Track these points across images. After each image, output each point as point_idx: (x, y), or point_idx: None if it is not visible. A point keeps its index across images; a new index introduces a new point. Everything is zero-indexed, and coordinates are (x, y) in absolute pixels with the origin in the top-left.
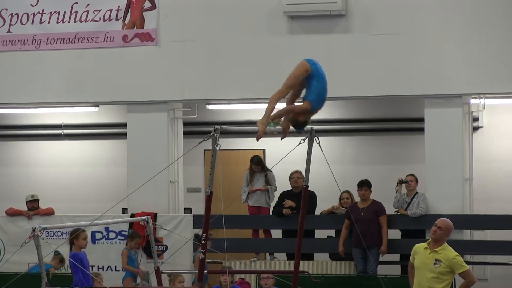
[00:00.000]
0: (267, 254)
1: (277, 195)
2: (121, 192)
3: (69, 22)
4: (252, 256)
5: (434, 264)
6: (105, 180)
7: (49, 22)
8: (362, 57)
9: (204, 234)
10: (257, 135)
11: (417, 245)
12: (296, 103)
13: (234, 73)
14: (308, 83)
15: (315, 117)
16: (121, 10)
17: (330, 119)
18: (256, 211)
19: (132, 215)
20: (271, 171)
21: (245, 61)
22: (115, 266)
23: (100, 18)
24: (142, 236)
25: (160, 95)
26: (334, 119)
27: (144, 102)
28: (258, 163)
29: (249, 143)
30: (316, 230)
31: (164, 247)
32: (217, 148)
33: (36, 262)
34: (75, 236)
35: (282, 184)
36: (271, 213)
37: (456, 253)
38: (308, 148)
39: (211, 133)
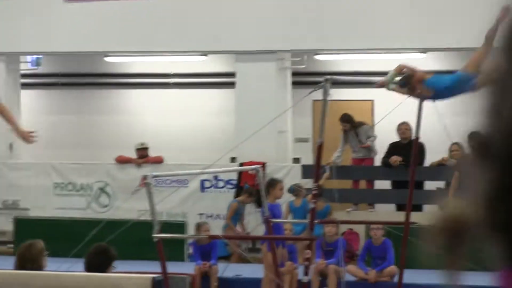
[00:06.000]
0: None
1: (385, 145)
2: (228, 142)
3: None
4: (349, 206)
5: None
6: (213, 129)
7: None
8: None
9: (316, 184)
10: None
11: None
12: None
13: (343, 23)
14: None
15: (426, 68)
16: None
17: (441, 70)
18: (360, 163)
19: (240, 165)
20: (365, 124)
21: (354, 11)
22: (223, 215)
23: None
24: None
25: (268, 44)
26: (445, 70)
27: (252, 51)
28: (345, 121)
29: (358, 94)
30: (425, 182)
31: None
32: (328, 98)
33: (146, 209)
34: (272, 185)
35: (390, 136)
36: (375, 164)
37: None
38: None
39: (322, 83)
